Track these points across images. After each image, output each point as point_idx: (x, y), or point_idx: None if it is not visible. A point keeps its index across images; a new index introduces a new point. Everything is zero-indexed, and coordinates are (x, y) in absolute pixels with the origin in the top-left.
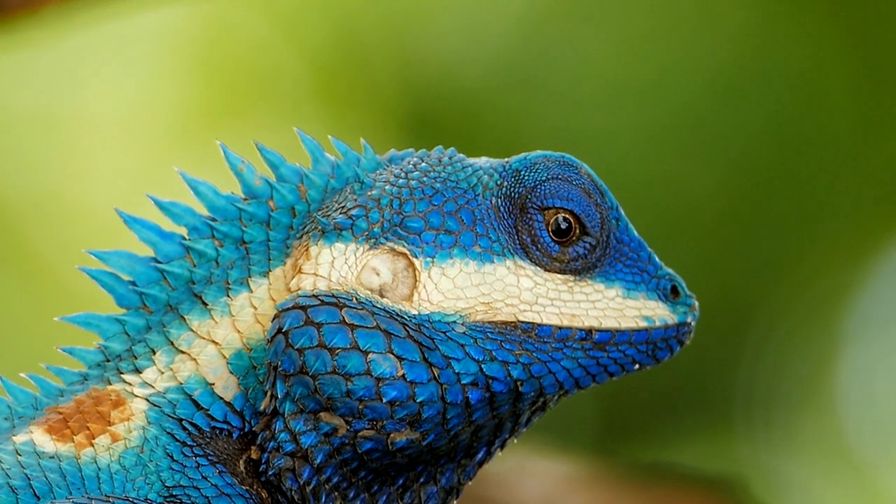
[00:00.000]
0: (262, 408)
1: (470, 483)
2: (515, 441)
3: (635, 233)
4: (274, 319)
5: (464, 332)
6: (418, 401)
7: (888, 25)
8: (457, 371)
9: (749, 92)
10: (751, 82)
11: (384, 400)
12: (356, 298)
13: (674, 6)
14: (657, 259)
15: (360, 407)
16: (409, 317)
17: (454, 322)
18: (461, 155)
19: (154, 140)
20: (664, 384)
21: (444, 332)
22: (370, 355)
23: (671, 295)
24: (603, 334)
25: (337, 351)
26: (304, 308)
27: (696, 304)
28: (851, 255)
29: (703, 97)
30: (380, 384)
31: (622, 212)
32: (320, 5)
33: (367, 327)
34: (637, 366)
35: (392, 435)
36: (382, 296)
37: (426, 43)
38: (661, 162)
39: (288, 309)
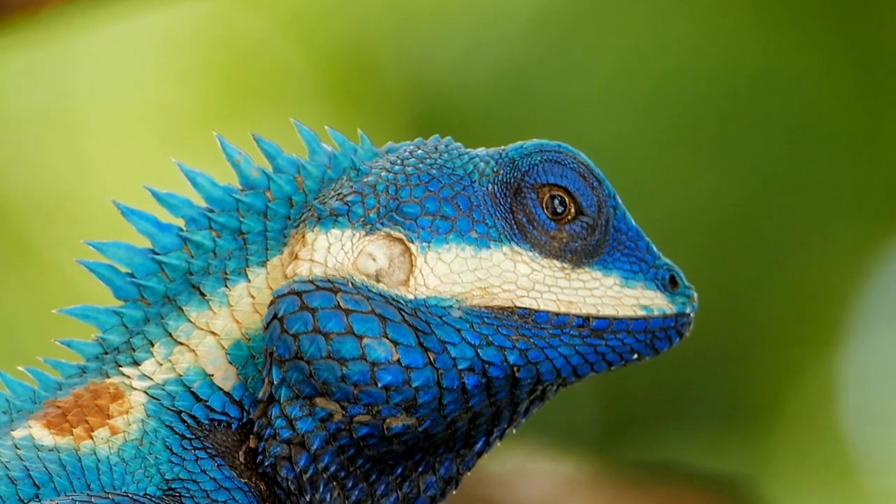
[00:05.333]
0: (260, 396)
1: (470, 483)
2: (514, 431)
3: (633, 222)
4: (270, 306)
5: (460, 317)
6: (414, 386)
7: (890, 28)
8: (453, 356)
9: (750, 96)
10: (752, 86)
11: (379, 385)
12: (352, 283)
13: (676, 11)
14: (655, 249)
15: (356, 392)
16: (404, 301)
17: (450, 307)
18: (457, 144)
19: (155, 139)
20: (666, 384)
21: (440, 317)
22: (365, 340)
23: (669, 285)
24: (600, 321)
25: (331, 336)
26: (299, 293)
27: (695, 294)
28: (853, 255)
29: (705, 102)
30: (374, 369)
31: (620, 201)
32: (326, 7)
33: (361, 312)
34: (636, 356)
35: (388, 420)
36: (379, 281)
37: (431, 47)
38: (663, 166)
39: (283, 295)
